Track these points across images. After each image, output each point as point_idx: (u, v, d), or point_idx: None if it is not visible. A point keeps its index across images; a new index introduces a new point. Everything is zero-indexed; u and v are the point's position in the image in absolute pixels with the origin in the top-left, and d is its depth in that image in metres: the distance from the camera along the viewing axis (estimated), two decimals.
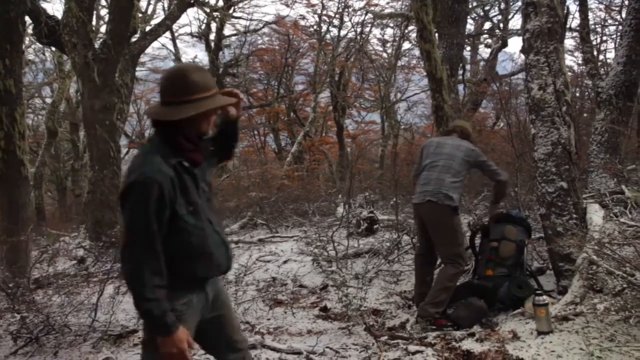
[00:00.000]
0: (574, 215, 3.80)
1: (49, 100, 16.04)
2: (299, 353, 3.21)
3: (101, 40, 8.48)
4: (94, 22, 11.46)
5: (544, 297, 3.05)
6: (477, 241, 4.41)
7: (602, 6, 12.26)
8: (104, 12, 14.10)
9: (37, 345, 3.56)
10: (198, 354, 3.29)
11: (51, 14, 8.40)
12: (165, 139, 1.80)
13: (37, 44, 12.53)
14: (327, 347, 3.28)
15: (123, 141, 14.87)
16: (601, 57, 12.66)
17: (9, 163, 5.27)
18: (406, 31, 15.81)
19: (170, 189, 1.71)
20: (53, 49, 13.14)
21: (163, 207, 1.69)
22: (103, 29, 11.65)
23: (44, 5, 8.17)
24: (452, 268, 3.74)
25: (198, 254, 1.83)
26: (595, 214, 3.91)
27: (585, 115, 10.49)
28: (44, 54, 16.37)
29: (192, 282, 1.86)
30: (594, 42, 11.09)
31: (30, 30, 8.68)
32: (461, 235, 3.99)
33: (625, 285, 3.11)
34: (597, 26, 12.21)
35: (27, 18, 6.86)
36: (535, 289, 3.49)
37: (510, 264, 3.92)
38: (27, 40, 11.83)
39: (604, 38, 12.90)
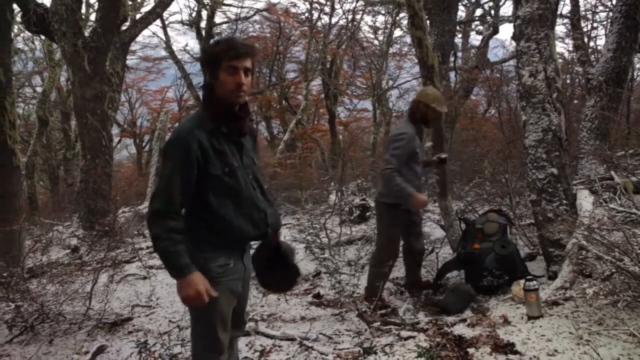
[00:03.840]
0: (564, 201, 3.85)
1: (39, 89, 15.85)
2: (292, 339, 3.25)
3: (91, 28, 8.37)
4: (83, 10, 11.31)
5: (534, 282, 3.10)
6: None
7: None
8: None
9: (32, 333, 3.58)
10: None
11: (40, 1, 8.26)
12: (204, 106, 1.95)
13: (26, 32, 12.34)
14: (320, 333, 3.32)
15: (115, 130, 14.78)
16: (592, 43, 12.70)
17: (0, 153, 5.23)
18: (397, 18, 15.74)
19: (198, 150, 1.84)
20: (42, 37, 12.96)
21: (189, 164, 1.84)
22: (93, 17, 11.50)
23: None
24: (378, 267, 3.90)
25: (234, 213, 1.93)
26: (585, 200, 3.97)
27: (575, 102, 10.56)
28: (33, 43, 16.16)
29: (230, 245, 1.99)
30: (585, 29, 11.11)
31: (18, 19, 8.54)
32: (392, 232, 3.93)
33: (614, 270, 3.16)
34: (587, 13, 12.22)
35: (15, 6, 6.75)
36: (517, 247, 3.62)
37: (495, 239, 4.01)
38: (15, 28, 11.66)
39: (595, 25, 12.93)
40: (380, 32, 17.87)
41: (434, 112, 3.78)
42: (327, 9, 16.51)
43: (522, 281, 3.24)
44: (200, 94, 2.09)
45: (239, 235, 1.98)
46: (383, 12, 16.44)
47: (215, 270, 1.92)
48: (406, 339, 3.03)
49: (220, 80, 1.89)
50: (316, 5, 16.55)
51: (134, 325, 3.86)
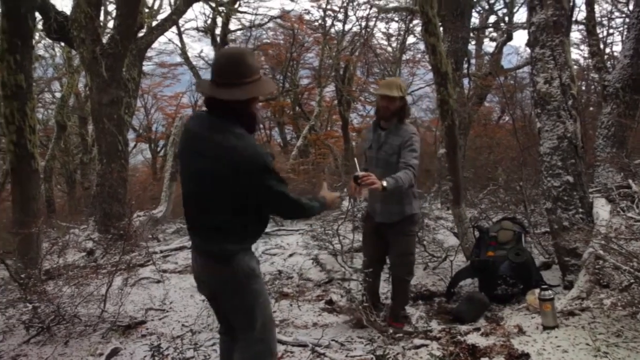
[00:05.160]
0: (580, 210, 3.80)
1: (58, 95, 16.09)
2: (304, 345, 3.25)
3: (109, 35, 8.51)
4: (101, 18, 11.50)
5: (550, 291, 3.06)
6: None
7: None
8: (111, 7, 14.13)
9: (48, 334, 3.63)
10: (205, 345, 3.34)
11: (60, 9, 8.44)
12: (238, 119, 1.99)
13: (47, 39, 12.54)
14: (332, 340, 3.31)
15: (130, 135, 14.94)
16: (608, 50, 12.55)
17: (20, 157, 5.33)
18: (411, 25, 15.75)
19: None
20: (62, 44, 13.20)
21: None
22: (111, 24, 11.70)
23: (53, 1, 8.23)
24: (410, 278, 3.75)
25: (268, 218, 2.18)
26: (602, 209, 3.91)
27: (591, 108, 10.43)
28: (53, 49, 16.46)
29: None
30: (601, 35, 10.97)
31: (40, 26, 8.70)
32: (414, 243, 3.81)
33: (632, 281, 3.11)
34: (603, 19, 12.08)
35: (37, 14, 6.90)
36: (532, 256, 3.54)
37: (509, 247, 3.97)
38: (37, 35, 11.90)
39: (611, 31, 12.79)
40: (393, 38, 17.90)
41: (380, 98, 3.50)
42: (340, 16, 16.60)
43: (537, 290, 3.21)
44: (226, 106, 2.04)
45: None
46: (396, 19, 16.45)
47: (256, 268, 2.13)
48: (419, 347, 3.01)
49: (255, 101, 2.05)
50: (330, 12, 16.64)
51: (147, 329, 3.89)
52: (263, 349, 2.15)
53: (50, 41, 14.23)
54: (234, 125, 1.96)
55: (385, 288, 4.16)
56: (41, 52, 15.59)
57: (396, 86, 3.42)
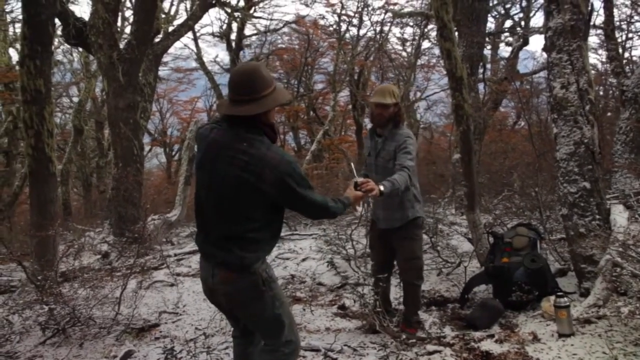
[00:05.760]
0: (597, 216, 3.74)
1: (75, 99, 16.40)
2: (317, 350, 3.25)
3: (126, 40, 8.65)
4: (119, 24, 11.69)
5: (566, 298, 3.02)
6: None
7: (628, 2, 11.93)
8: (128, 13, 14.37)
9: (63, 336, 3.67)
10: (218, 348, 3.35)
11: (79, 16, 8.61)
12: (260, 129, 2.05)
13: (66, 45, 12.79)
14: (345, 345, 3.30)
15: (146, 139, 15.14)
16: (626, 54, 12.32)
17: (38, 160, 5.42)
18: (426, 30, 15.69)
19: None
20: (80, 49, 13.44)
21: None
22: (128, 29, 11.87)
23: (72, 7, 8.40)
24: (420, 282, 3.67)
25: (282, 226, 2.27)
26: (620, 215, 3.85)
27: (609, 114, 10.29)
28: (71, 55, 16.78)
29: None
30: (619, 39, 10.80)
31: (59, 32, 8.89)
32: (421, 247, 3.75)
33: None
34: (622, 23, 11.87)
35: (56, 20, 7.03)
36: (547, 262, 3.49)
37: (524, 254, 3.93)
38: (56, 41, 12.12)
39: (630, 35, 12.54)
40: (408, 43, 17.85)
41: (374, 106, 3.52)
42: (355, 21, 16.62)
43: (553, 297, 3.17)
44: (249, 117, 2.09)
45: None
46: (411, 23, 16.44)
47: (273, 275, 2.18)
48: (432, 353, 2.99)
49: (272, 112, 2.10)
50: (345, 17, 16.68)
51: (161, 332, 3.92)
52: (291, 349, 2.24)
53: (68, 47, 14.52)
54: (259, 135, 2.03)
55: (398, 293, 4.14)
56: (60, 57, 15.90)
57: (389, 93, 3.45)
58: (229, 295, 2.10)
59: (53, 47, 6.53)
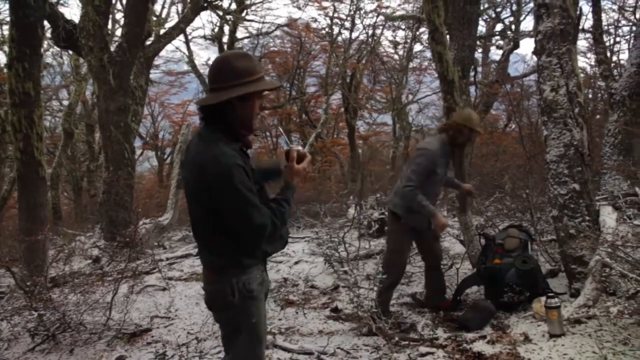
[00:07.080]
0: (587, 218, 3.78)
1: (65, 103, 16.25)
2: (310, 353, 3.24)
3: (117, 43, 8.61)
4: (109, 26, 11.64)
5: (556, 299, 3.04)
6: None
7: (615, 7, 12.08)
8: (119, 15, 14.30)
9: (53, 342, 3.64)
10: (210, 353, 3.34)
11: (69, 18, 8.55)
12: (221, 126, 1.87)
13: (55, 47, 12.71)
14: (338, 348, 3.30)
15: (137, 143, 15.03)
16: (614, 58, 12.48)
17: (27, 164, 5.37)
18: (417, 33, 15.80)
19: (244, 172, 1.81)
20: (70, 52, 13.36)
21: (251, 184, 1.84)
22: (119, 32, 11.82)
23: (61, 10, 8.35)
24: (386, 277, 3.69)
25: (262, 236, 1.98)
26: (609, 216, 3.89)
27: (598, 116, 10.39)
28: (61, 57, 16.62)
29: (260, 259, 2.02)
30: (607, 43, 10.91)
31: (48, 34, 8.83)
32: (398, 243, 3.95)
33: (639, 288, 3.09)
34: (610, 27, 12.02)
35: (45, 22, 6.99)
36: (538, 263, 3.55)
37: (515, 255, 3.96)
38: (45, 44, 12.04)
39: (617, 39, 12.70)
40: (400, 46, 17.94)
41: (476, 134, 3.93)
42: (347, 24, 16.67)
43: (544, 298, 3.19)
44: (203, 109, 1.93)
45: (269, 252, 2.05)
46: (403, 27, 16.52)
47: (255, 289, 1.95)
48: (424, 355, 3.00)
49: (251, 102, 1.88)
50: (337, 20, 16.73)
51: (152, 336, 3.89)
52: None
53: (58, 49, 14.40)
54: (216, 134, 1.86)
55: (397, 293, 4.14)
56: (49, 60, 15.79)
57: None
58: (207, 294, 2.06)
59: (42, 50, 6.49)
